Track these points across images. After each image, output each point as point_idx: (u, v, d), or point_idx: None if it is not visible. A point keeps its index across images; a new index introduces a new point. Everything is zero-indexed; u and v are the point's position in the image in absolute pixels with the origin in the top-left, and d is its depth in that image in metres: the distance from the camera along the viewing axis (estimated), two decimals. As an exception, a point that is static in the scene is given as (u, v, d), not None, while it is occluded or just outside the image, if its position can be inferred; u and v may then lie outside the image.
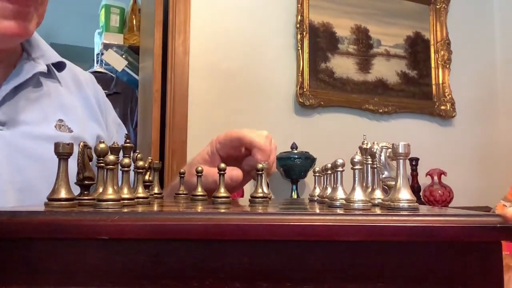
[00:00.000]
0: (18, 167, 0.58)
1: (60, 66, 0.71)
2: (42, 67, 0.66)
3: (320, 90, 1.99)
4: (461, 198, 2.04)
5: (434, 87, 2.24)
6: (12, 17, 0.55)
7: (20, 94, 0.62)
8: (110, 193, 0.37)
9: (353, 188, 0.41)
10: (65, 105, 0.69)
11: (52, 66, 0.69)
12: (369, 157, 0.49)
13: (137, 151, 0.57)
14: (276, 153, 0.66)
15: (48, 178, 0.59)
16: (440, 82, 2.24)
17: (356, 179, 0.41)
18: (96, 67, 2.75)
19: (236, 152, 0.65)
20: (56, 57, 0.70)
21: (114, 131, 0.80)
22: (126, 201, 0.39)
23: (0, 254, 0.33)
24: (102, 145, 0.41)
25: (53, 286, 0.33)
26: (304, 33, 1.98)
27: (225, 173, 0.50)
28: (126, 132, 0.85)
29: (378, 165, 0.48)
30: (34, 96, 0.64)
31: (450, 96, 2.23)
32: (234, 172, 0.62)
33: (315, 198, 0.59)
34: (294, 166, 1.74)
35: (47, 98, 0.66)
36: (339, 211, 0.40)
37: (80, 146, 0.42)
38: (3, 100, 0.60)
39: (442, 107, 2.22)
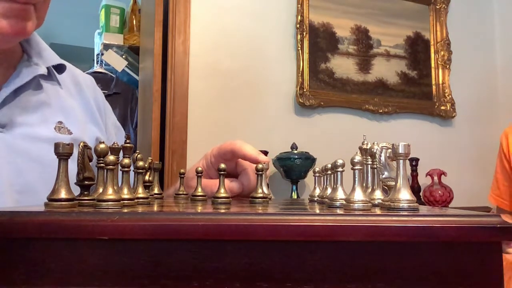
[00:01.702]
0: (17, 169, 0.58)
1: (60, 68, 0.71)
2: (43, 70, 0.66)
3: (320, 90, 1.99)
4: (461, 198, 2.04)
5: (434, 87, 2.24)
6: (9, 16, 0.55)
7: (20, 96, 0.62)
8: (110, 194, 0.37)
9: (353, 189, 0.41)
10: (65, 108, 0.69)
11: (52, 68, 0.69)
12: (369, 157, 0.49)
13: (137, 151, 0.57)
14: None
15: (48, 180, 0.59)
16: (440, 82, 2.24)
17: (356, 179, 0.41)
18: (96, 68, 2.75)
19: (230, 165, 0.65)
20: (57, 60, 0.70)
21: (113, 134, 0.80)
22: (126, 201, 0.39)
23: (0, 254, 0.33)
24: (102, 146, 0.41)
25: (53, 286, 0.33)
26: (304, 33, 1.98)
27: (225, 173, 0.50)
28: (125, 134, 0.85)
29: (378, 165, 0.48)
30: (34, 99, 0.64)
31: (450, 96, 2.23)
32: (233, 184, 0.63)
33: (315, 199, 0.59)
34: (294, 166, 1.74)
35: (47, 101, 0.66)
36: (339, 211, 0.40)
37: (80, 146, 0.42)
38: (3, 102, 0.60)
39: (442, 107, 2.22)
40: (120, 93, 2.63)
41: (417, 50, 2.23)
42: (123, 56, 2.50)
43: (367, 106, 2.07)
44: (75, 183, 0.41)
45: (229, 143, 0.64)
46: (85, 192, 0.41)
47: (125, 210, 0.36)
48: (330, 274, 0.34)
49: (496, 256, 0.35)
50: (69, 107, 0.70)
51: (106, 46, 2.52)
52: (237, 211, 0.39)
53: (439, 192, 1.96)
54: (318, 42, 2.02)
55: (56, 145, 0.38)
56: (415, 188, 1.98)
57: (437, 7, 2.28)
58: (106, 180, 0.38)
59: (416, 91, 2.20)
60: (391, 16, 2.19)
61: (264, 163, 0.53)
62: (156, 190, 0.55)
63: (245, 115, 1.89)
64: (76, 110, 0.71)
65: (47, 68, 0.67)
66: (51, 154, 0.63)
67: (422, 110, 2.19)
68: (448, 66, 2.25)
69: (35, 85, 0.65)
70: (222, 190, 0.48)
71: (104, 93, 2.77)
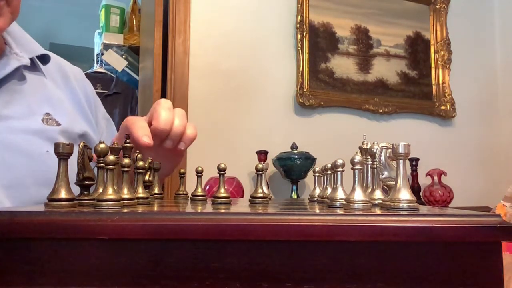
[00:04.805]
0: (5, 162, 0.57)
1: (44, 59, 0.70)
2: (25, 61, 0.64)
3: (320, 90, 1.99)
4: (461, 198, 2.04)
5: (434, 87, 2.24)
6: None
7: (3, 88, 0.61)
8: (110, 193, 0.37)
9: (353, 188, 0.41)
10: (52, 98, 0.68)
11: (36, 59, 0.68)
12: (369, 157, 0.49)
13: (137, 151, 0.57)
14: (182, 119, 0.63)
15: (36, 173, 0.58)
16: (440, 82, 2.24)
17: (356, 179, 0.41)
18: (96, 67, 2.75)
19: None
20: (40, 50, 0.69)
21: (104, 126, 0.79)
22: (126, 201, 0.39)
23: (0, 254, 0.33)
24: (102, 145, 0.41)
25: (53, 286, 0.33)
26: (304, 33, 1.98)
27: (225, 173, 0.50)
28: (115, 128, 0.84)
29: (378, 165, 0.48)
30: (19, 90, 0.63)
31: (450, 96, 2.23)
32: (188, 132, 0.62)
33: (315, 198, 0.59)
34: (294, 166, 1.74)
35: (32, 92, 0.65)
36: (339, 211, 0.40)
37: (80, 146, 0.42)
38: None
39: (442, 107, 2.21)
40: (120, 93, 2.63)
41: (417, 50, 2.23)
42: (123, 56, 2.49)
43: (367, 106, 2.07)
44: (75, 183, 0.41)
45: (124, 121, 0.61)
46: (85, 192, 0.41)
47: (125, 210, 0.36)
48: (330, 274, 0.34)
49: (496, 256, 0.35)
50: (56, 97, 0.68)
51: (106, 46, 2.52)
52: (237, 211, 0.39)
53: (439, 192, 1.96)
54: (318, 42, 2.02)
55: (56, 145, 0.38)
56: (415, 188, 1.98)
57: (437, 7, 2.28)
58: (106, 180, 0.38)
59: (416, 91, 2.20)
60: (391, 16, 2.19)
61: (263, 162, 0.53)
62: (156, 190, 0.55)
63: (245, 115, 1.89)
64: (64, 101, 0.70)
65: (31, 59, 0.66)
66: (39, 146, 0.62)
67: (422, 110, 2.19)
68: (448, 66, 2.25)
69: (19, 76, 0.64)
70: (222, 190, 0.48)
71: (104, 93, 2.73)
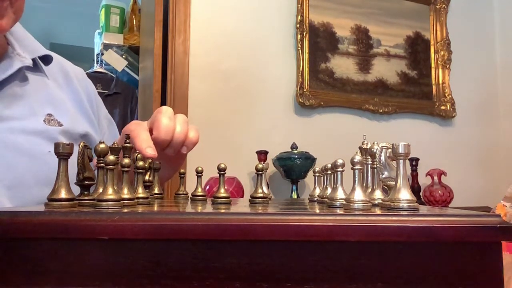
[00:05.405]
0: (6, 163, 0.57)
1: (47, 60, 0.70)
2: (28, 61, 0.64)
3: (320, 90, 1.99)
4: (461, 198, 2.04)
5: (434, 87, 2.24)
6: None
7: (5, 89, 0.61)
8: (110, 193, 0.37)
9: (353, 188, 0.41)
10: (54, 99, 0.68)
11: (38, 60, 0.68)
12: (369, 157, 0.49)
13: (137, 151, 0.57)
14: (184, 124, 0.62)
15: (38, 173, 0.59)
16: (440, 82, 2.24)
17: (356, 179, 0.41)
18: (96, 67, 2.75)
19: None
20: (42, 50, 0.69)
21: (106, 126, 0.79)
22: (126, 201, 0.39)
23: (0, 254, 0.33)
24: (102, 145, 0.41)
25: (53, 286, 0.33)
26: (304, 33, 1.98)
27: (225, 173, 0.50)
28: (116, 129, 0.84)
29: (378, 165, 0.48)
30: (20, 91, 0.63)
31: (450, 96, 2.23)
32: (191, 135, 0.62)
33: (315, 198, 0.59)
34: (294, 166, 1.74)
35: (34, 92, 0.65)
36: (339, 211, 0.40)
37: (80, 146, 0.42)
38: None
39: (442, 107, 2.21)
40: (120, 93, 2.63)
41: (417, 50, 2.23)
42: (123, 56, 2.49)
43: (367, 106, 2.07)
44: (75, 183, 0.41)
45: (127, 128, 0.60)
46: (85, 192, 0.42)
47: (125, 210, 0.36)
48: (330, 274, 0.34)
49: (496, 256, 0.35)
50: (58, 98, 0.68)
51: (106, 46, 2.51)
52: (237, 211, 0.39)
53: (439, 192, 1.96)
54: (318, 42, 2.02)
55: (56, 145, 0.38)
56: (415, 188, 1.98)
57: (437, 7, 2.28)
58: (106, 180, 0.38)
59: (416, 91, 2.20)
60: (391, 16, 2.19)
61: (263, 162, 0.53)
62: (156, 190, 0.55)
63: (245, 115, 1.89)
64: (66, 101, 0.70)
65: (33, 59, 0.66)
66: (41, 147, 0.62)
67: (422, 110, 2.19)
68: (448, 66, 2.25)
69: (21, 77, 0.64)
70: (222, 190, 0.48)
71: (104, 93, 2.74)
